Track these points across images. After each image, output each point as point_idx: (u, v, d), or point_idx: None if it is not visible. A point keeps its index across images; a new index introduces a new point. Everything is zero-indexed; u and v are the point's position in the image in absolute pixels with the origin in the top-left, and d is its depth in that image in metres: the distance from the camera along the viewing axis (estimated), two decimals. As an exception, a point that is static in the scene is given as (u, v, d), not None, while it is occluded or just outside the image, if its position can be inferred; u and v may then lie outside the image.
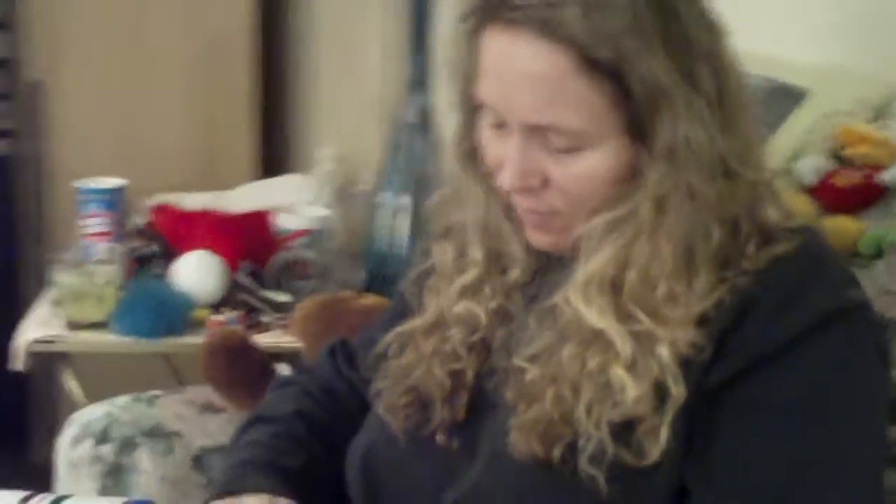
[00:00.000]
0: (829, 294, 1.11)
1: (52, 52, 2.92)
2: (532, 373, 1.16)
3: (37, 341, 2.07)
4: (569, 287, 1.15)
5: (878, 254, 1.52)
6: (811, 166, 1.64)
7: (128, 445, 1.77)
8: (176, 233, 2.27)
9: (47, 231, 2.95)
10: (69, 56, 2.94)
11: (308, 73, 3.06)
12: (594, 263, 1.14)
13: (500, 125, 1.16)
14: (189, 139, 2.96)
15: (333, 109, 2.89)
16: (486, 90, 1.15)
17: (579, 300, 1.13)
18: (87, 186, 2.28)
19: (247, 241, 2.25)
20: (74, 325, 2.06)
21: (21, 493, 1.30)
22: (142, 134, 2.94)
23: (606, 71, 1.07)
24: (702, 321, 1.09)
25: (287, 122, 3.16)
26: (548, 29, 1.08)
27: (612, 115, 1.10)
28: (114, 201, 2.27)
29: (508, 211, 1.23)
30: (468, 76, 1.18)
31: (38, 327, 2.11)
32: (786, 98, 1.76)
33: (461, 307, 1.27)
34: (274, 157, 3.06)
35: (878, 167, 1.60)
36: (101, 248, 2.14)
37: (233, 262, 2.18)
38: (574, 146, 1.12)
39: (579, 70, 1.08)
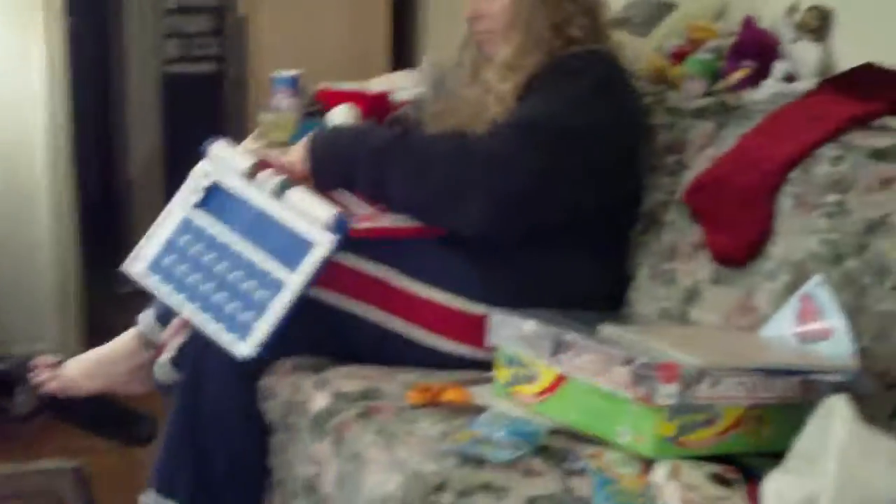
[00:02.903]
0: (584, 66, 2.48)
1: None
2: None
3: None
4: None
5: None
6: (670, 44, 2.97)
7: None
8: (331, 101, 3.66)
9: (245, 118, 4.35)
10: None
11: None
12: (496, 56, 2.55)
13: None
14: (344, 49, 4.33)
15: (440, 27, 4.26)
16: None
17: (488, 71, 2.55)
18: (279, 76, 3.70)
19: (372, 105, 3.64)
20: (269, 144, 3.49)
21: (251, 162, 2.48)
22: (313, 47, 4.29)
23: None
24: (528, 76, 2.47)
25: (410, 36, 4.53)
26: None
27: None
28: (293, 83, 3.68)
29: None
30: None
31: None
32: (664, 8, 3.07)
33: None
34: (400, 61, 4.43)
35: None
36: (285, 104, 3.56)
37: (365, 113, 3.57)
38: None
39: None
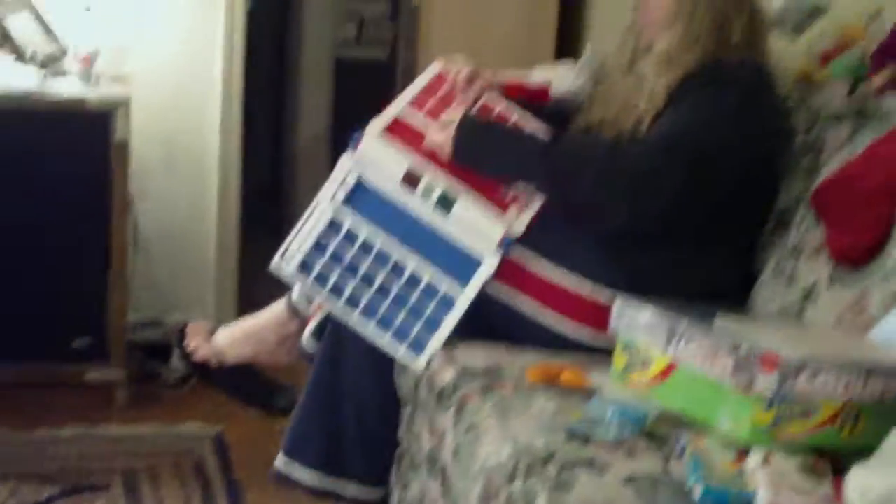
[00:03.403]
0: (734, 76, 2.52)
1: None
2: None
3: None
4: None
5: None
6: (821, 45, 2.99)
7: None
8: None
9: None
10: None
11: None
12: (655, 47, 2.61)
13: None
14: (512, 39, 4.41)
15: (606, 19, 4.32)
16: None
17: (646, 64, 2.61)
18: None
19: (531, 97, 3.71)
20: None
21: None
22: (482, 37, 4.36)
23: None
24: (682, 75, 2.53)
25: (577, 28, 4.59)
26: None
27: None
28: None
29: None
30: None
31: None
32: (817, 11, 3.08)
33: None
34: (566, 52, 4.49)
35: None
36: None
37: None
38: None
39: None
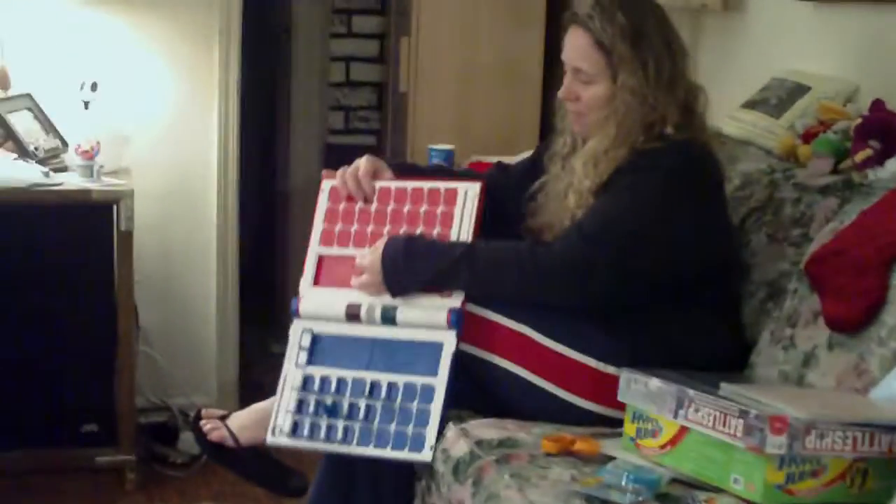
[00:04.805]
0: (656, 161, 2.61)
1: (412, 74, 4.59)
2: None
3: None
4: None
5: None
6: (802, 123, 3.13)
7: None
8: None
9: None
10: (424, 76, 4.53)
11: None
12: (588, 143, 2.72)
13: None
14: (496, 128, 4.55)
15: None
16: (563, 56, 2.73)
17: (577, 160, 2.72)
18: (435, 148, 3.96)
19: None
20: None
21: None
22: (468, 122, 4.49)
23: (604, 49, 2.64)
24: (610, 172, 2.63)
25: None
26: (584, 26, 2.65)
27: (605, 69, 2.65)
28: (447, 157, 3.93)
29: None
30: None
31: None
32: (799, 91, 3.24)
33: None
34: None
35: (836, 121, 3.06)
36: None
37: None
38: (589, 81, 2.68)
39: (593, 46, 2.65)
